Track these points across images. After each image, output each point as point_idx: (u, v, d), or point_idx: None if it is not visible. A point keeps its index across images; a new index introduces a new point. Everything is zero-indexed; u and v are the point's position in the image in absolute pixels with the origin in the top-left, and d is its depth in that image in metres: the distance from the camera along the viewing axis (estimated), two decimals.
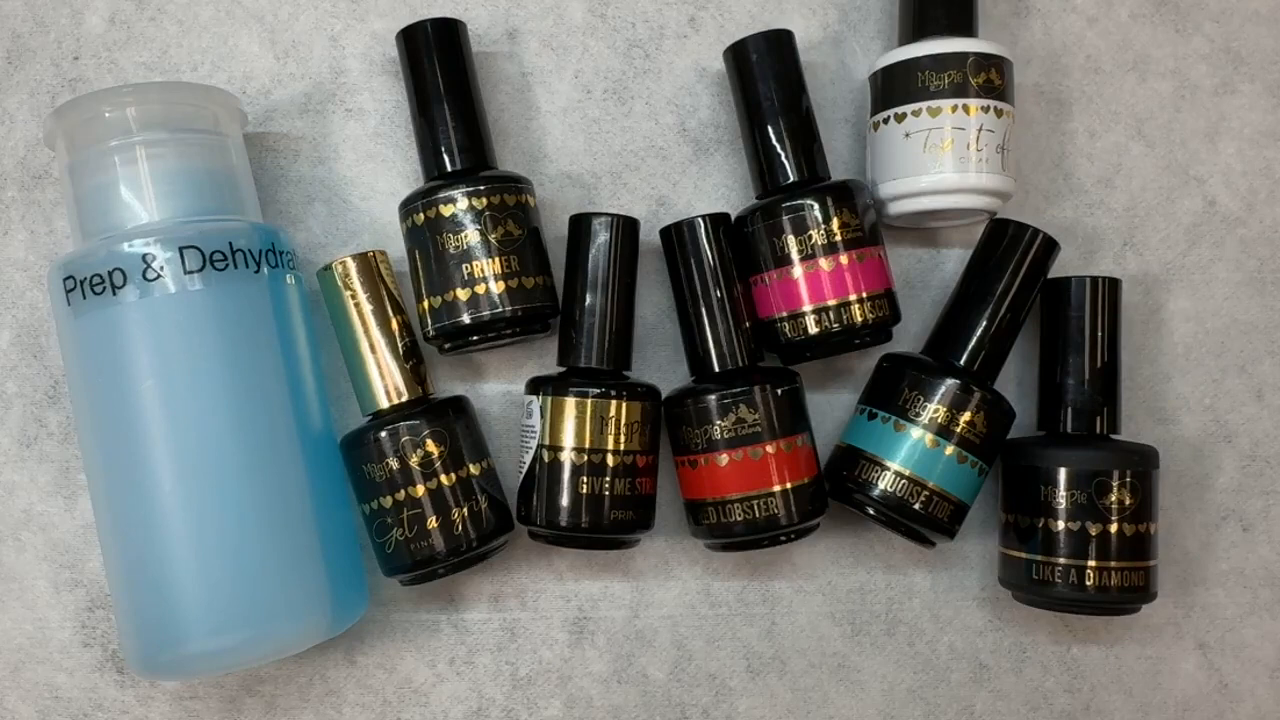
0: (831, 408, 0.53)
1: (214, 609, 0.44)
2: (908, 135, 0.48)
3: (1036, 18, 0.54)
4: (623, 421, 0.47)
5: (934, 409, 0.47)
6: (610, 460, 0.47)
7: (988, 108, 0.48)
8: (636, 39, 0.53)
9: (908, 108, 0.48)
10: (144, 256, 0.43)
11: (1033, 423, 0.52)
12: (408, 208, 0.48)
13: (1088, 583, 0.47)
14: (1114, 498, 0.47)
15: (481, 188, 0.47)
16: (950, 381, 0.47)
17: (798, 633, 0.53)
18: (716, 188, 0.53)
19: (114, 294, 0.43)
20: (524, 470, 0.48)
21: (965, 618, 0.53)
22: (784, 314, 0.48)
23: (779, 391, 0.47)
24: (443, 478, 0.46)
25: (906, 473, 0.47)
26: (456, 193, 0.47)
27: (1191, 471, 0.54)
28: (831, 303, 0.47)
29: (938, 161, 0.48)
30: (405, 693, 0.52)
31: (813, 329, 0.47)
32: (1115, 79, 0.54)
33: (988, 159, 0.48)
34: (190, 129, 0.46)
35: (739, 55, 0.49)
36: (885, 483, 0.47)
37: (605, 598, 0.53)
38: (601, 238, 0.48)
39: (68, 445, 0.51)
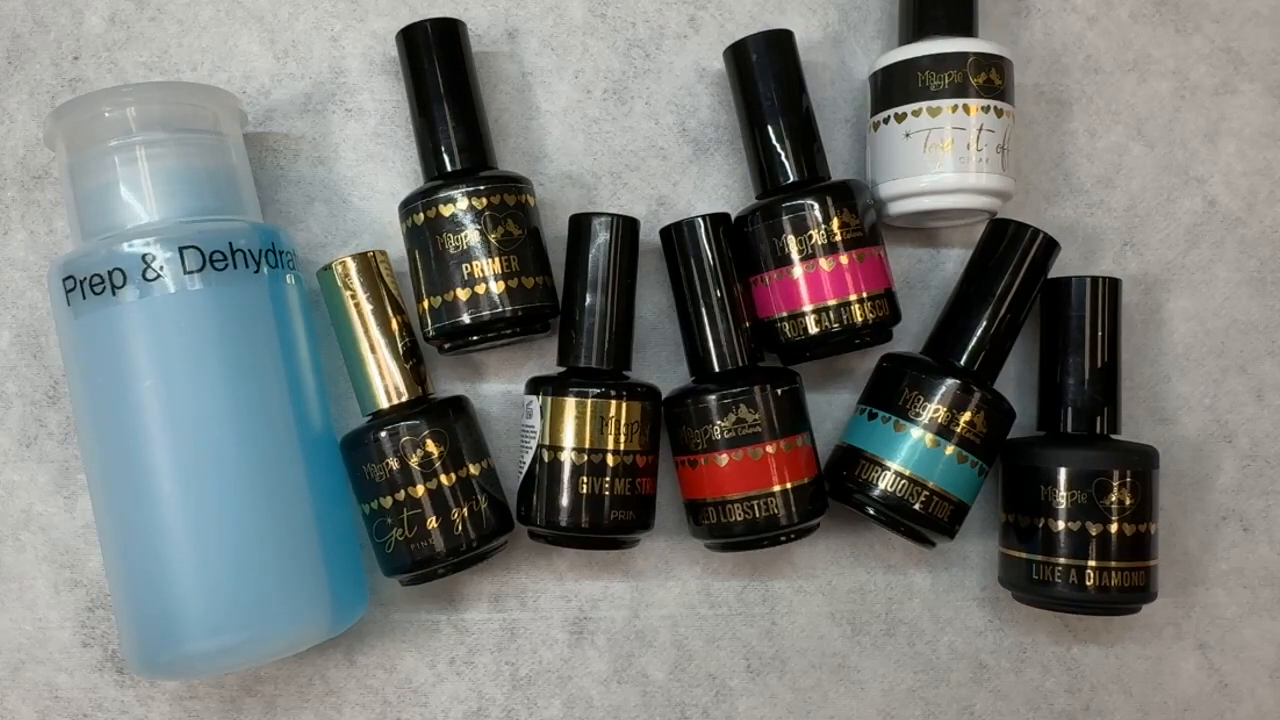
0: (831, 408, 0.53)
1: (214, 609, 0.44)
2: (908, 135, 0.48)
3: (1036, 18, 0.54)
4: (623, 421, 0.47)
5: (934, 409, 0.47)
6: (610, 460, 0.47)
7: (988, 108, 0.48)
8: (636, 39, 0.53)
9: (908, 108, 0.48)
10: (144, 256, 0.43)
11: (1033, 423, 0.52)
12: (408, 208, 0.48)
13: (1088, 583, 0.47)
14: (1114, 498, 0.47)
15: (481, 188, 0.47)
16: (950, 381, 0.47)
17: (798, 633, 0.53)
18: (716, 188, 0.53)
19: (114, 294, 0.43)
20: (524, 470, 0.48)
21: (965, 618, 0.53)
22: (784, 314, 0.48)
23: (779, 391, 0.47)
24: (443, 478, 0.46)
25: (906, 473, 0.47)
26: (456, 193, 0.47)
27: (1191, 471, 0.54)
28: (831, 303, 0.47)
29: (938, 161, 0.48)
30: (405, 693, 0.52)
31: (813, 329, 0.47)
32: (1115, 79, 0.54)
33: (988, 159, 0.48)
34: (190, 129, 0.46)
35: (739, 55, 0.49)
36: (885, 483, 0.47)
37: (605, 598, 0.53)
38: (601, 238, 0.48)
39: (68, 445, 0.51)
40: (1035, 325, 0.52)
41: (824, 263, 0.47)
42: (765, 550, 0.51)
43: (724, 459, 0.47)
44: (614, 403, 0.47)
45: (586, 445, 0.47)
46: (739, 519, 0.47)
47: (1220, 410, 0.54)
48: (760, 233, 0.48)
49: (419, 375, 0.48)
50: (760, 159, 0.49)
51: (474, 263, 0.46)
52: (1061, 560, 0.48)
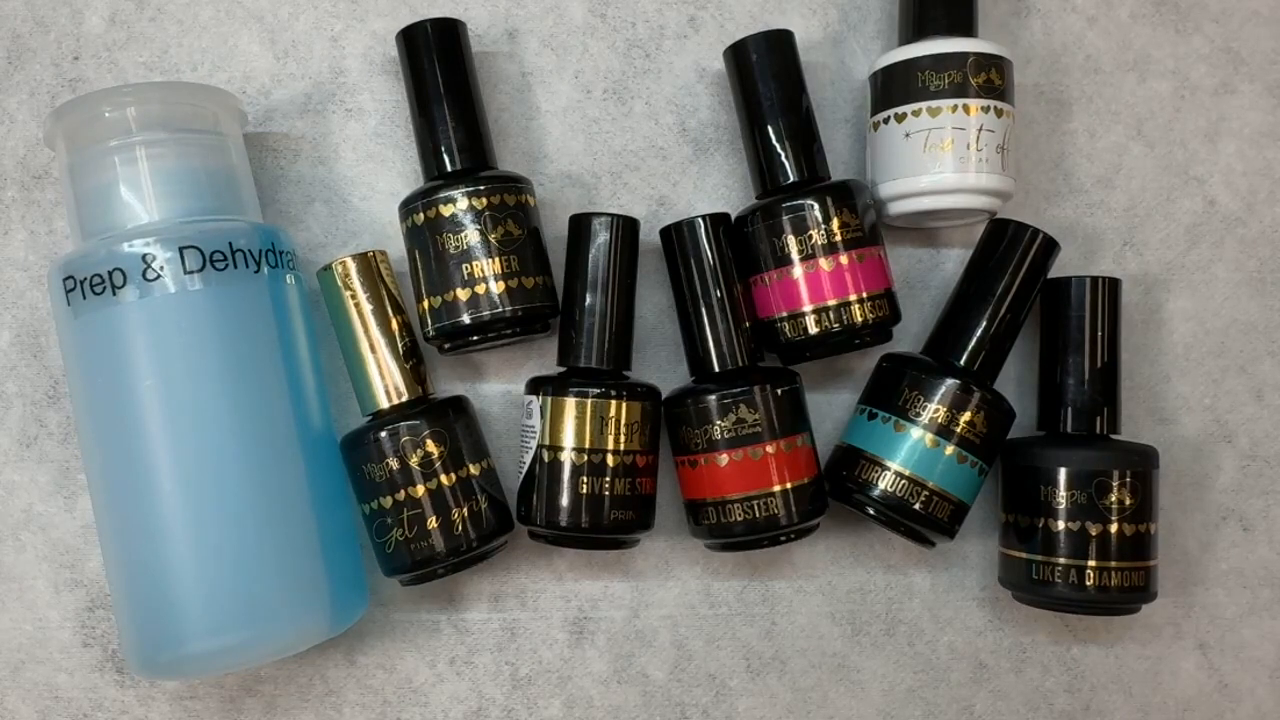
0: (831, 408, 0.53)
1: (214, 609, 0.44)
2: (908, 135, 0.48)
3: (1036, 18, 0.54)
4: (623, 421, 0.47)
5: (934, 409, 0.47)
6: (610, 460, 0.47)
7: (988, 108, 0.48)
8: (636, 39, 0.53)
9: (908, 108, 0.48)
10: (144, 256, 0.43)
11: (1033, 423, 0.52)
12: (408, 208, 0.48)
13: (1088, 583, 0.47)
14: (1114, 498, 0.47)
15: (481, 188, 0.47)
16: (950, 381, 0.47)
17: (798, 633, 0.53)
18: (716, 188, 0.53)
19: (114, 294, 0.43)
20: (524, 470, 0.48)
21: (965, 618, 0.53)
22: (784, 314, 0.48)
23: (779, 391, 0.47)
24: (443, 478, 0.46)
25: (906, 473, 0.47)
26: (456, 193, 0.47)
27: (1191, 471, 0.54)
28: (831, 303, 0.47)
29: (938, 161, 0.48)
30: (405, 693, 0.52)
31: (813, 329, 0.47)
32: (1115, 79, 0.54)
33: (988, 159, 0.48)
34: (190, 129, 0.46)
35: (739, 55, 0.49)
36: (885, 483, 0.47)
37: (605, 598, 0.53)
38: (601, 238, 0.48)
39: (68, 445, 0.51)
40: (1035, 325, 0.52)
41: (824, 263, 0.47)
42: (765, 550, 0.51)
43: (724, 459, 0.47)
44: (614, 403, 0.47)
45: (586, 445, 0.47)
46: (739, 519, 0.47)
47: (1220, 410, 0.54)
48: (760, 233, 0.48)
49: (419, 375, 0.48)
50: (760, 159, 0.49)
51: (474, 263, 0.46)
52: (1061, 560, 0.48)
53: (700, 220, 0.48)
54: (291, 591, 0.45)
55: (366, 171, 0.52)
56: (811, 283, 0.47)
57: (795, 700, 0.53)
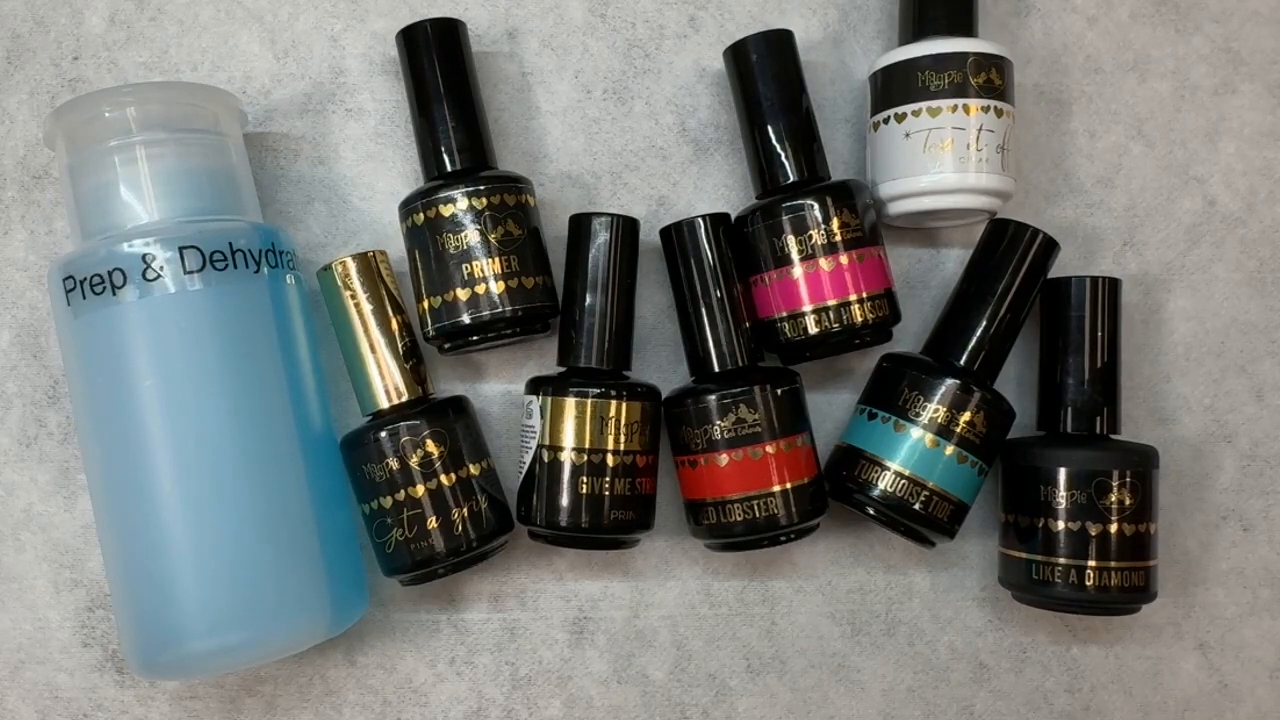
0: (831, 408, 0.53)
1: (213, 609, 0.44)
2: (908, 135, 0.48)
3: (1036, 18, 0.54)
4: (623, 421, 0.47)
5: (934, 409, 0.47)
6: (610, 460, 0.47)
7: (988, 108, 0.48)
8: (636, 39, 0.53)
9: (908, 108, 0.48)
10: (144, 256, 0.43)
11: (1033, 423, 0.52)
12: (408, 208, 0.48)
13: (1088, 583, 0.47)
14: (1114, 498, 0.47)
15: (481, 188, 0.47)
16: (950, 381, 0.47)
17: (798, 633, 0.53)
18: (716, 188, 0.53)
19: (114, 294, 0.43)
20: (524, 470, 0.48)
21: (965, 618, 0.53)
22: (784, 314, 0.48)
23: (779, 391, 0.47)
24: (443, 478, 0.46)
25: (906, 473, 0.47)
26: (456, 193, 0.47)
27: (1191, 471, 0.54)
28: (831, 303, 0.47)
29: (938, 161, 0.48)
30: (405, 693, 0.52)
31: (813, 329, 0.47)
32: (1115, 79, 0.54)
33: (988, 159, 0.48)
34: (190, 129, 0.46)
35: (739, 55, 0.49)
36: (885, 483, 0.47)
37: (605, 598, 0.53)
38: (601, 238, 0.48)
39: (68, 445, 0.51)
40: (1035, 325, 0.52)
41: (824, 263, 0.47)
42: (765, 550, 0.51)
43: (724, 459, 0.47)
44: (614, 403, 0.47)
45: (586, 445, 0.47)
46: (739, 519, 0.47)
47: (1220, 410, 0.54)
48: (760, 233, 0.48)
49: (419, 375, 0.48)
50: (760, 159, 0.49)
51: (474, 263, 0.46)
52: (1061, 560, 0.48)
53: (700, 220, 0.48)
54: (291, 591, 0.45)
55: (366, 171, 0.52)
56: (811, 283, 0.47)
57: (795, 700, 0.53)
